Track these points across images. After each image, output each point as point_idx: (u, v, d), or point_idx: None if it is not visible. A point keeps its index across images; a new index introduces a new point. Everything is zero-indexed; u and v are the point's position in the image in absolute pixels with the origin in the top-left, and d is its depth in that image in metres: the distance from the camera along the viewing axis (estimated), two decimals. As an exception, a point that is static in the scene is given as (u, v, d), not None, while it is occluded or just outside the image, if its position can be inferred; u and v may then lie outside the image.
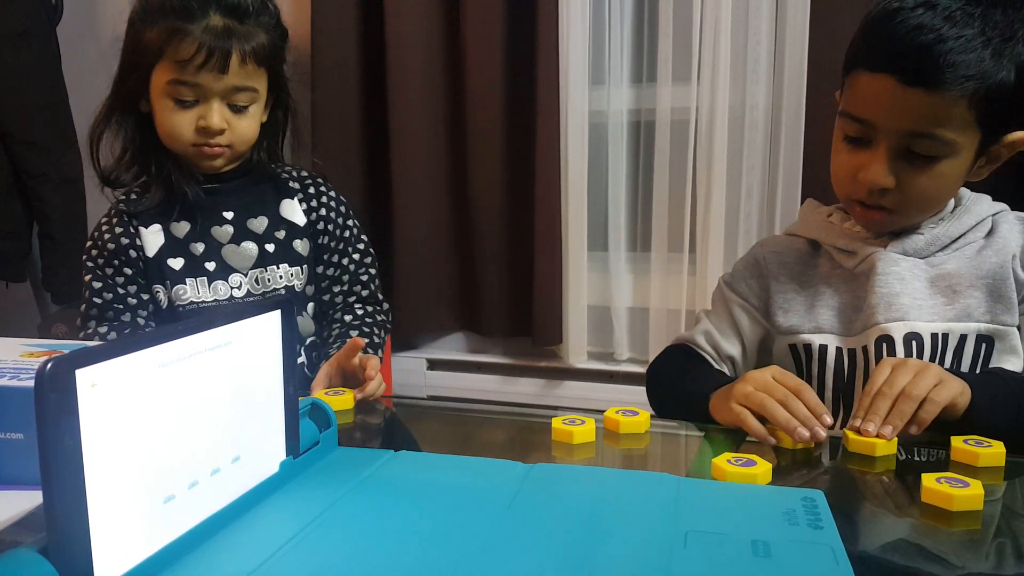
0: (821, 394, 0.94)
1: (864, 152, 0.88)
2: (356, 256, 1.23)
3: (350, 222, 1.23)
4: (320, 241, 1.19)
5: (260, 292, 1.14)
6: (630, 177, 1.87)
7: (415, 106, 1.88)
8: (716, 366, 1.01)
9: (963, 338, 0.90)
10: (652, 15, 1.78)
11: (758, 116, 1.71)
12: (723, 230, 1.75)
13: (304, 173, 1.22)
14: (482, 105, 1.85)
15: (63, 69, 1.98)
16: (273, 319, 0.61)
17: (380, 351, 1.18)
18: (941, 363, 0.90)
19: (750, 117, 1.71)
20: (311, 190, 1.20)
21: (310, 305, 1.20)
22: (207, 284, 1.11)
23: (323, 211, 1.20)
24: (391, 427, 0.93)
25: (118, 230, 1.11)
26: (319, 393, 0.91)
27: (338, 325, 1.19)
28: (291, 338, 0.63)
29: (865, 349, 0.92)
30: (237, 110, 1.08)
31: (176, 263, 1.11)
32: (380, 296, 1.26)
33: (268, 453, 0.62)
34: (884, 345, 0.90)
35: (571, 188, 1.82)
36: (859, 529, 0.59)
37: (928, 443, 0.77)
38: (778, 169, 1.71)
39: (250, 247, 1.14)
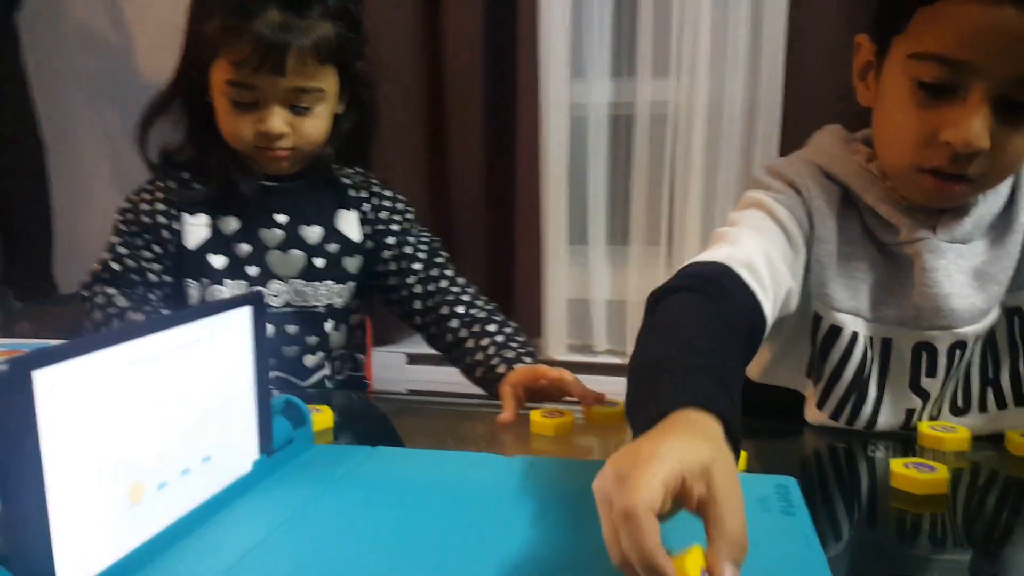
0: (831, 385, 0.82)
1: (949, 107, 0.69)
2: (438, 257, 1.11)
3: (410, 237, 1.11)
4: (379, 250, 1.09)
5: (299, 304, 1.05)
6: (609, 171, 1.87)
7: (393, 99, 1.86)
8: (765, 303, 0.70)
9: (996, 324, 0.81)
10: (632, 9, 1.78)
11: (735, 110, 1.72)
12: (700, 224, 1.77)
13: (372, 180, 1.13)
14: (461, 98, 1.84)
15: (24, 58, 1.93)
16: (243, 315, 0.61)
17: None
18: (976, 359, 0.82)
19: (728, 111, 1.72)
20: (367, 197, 1.11)
21: (353, 317, 1.12)
22: (246, 289, 1.03)
23: (383, 214, 1.10)
24: (370, 423, 0.93)
25: (159, 207, 1.03)
26: (539, 416, 0.80)
27: (487, 342, 1.03)
28: (262, 334, 0.62)
29: (894, 345, 0.81)
30: (300, 111, 0.99)
31: (218, 261, 1.03)
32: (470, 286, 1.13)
33: (240, 452, 0.62)
34: (924, 353, 0.80)
35: (551, 182, 1.82)
36: (830, 515, 0.60)
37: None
38: (753, 163, 1.72)
39: (297, 256, 1.05)
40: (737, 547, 0.40)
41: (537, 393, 0.88)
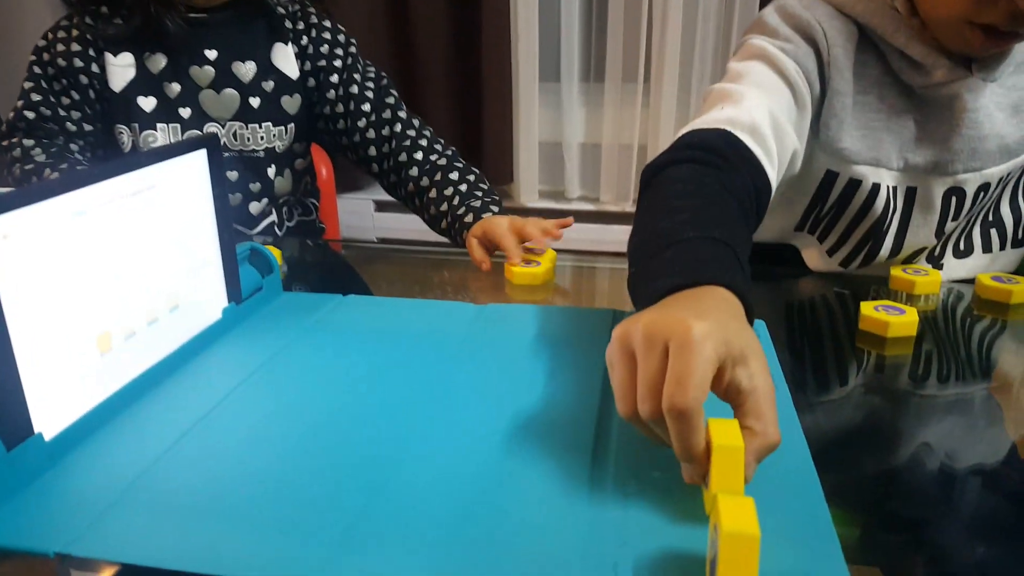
0: (852, 231, 0.81)
1: None
2: (382, 89, 1.05)
3: (356, 75, 1.04)
4: (320, 81, 1.03)
5: (237, 149, 1.00)
6: (583, 1, 1.77)
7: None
8: (770, 170, 0.67)
9: (1015, 172, 0.80)
10: None
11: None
12: (678, 58, 1.70)
13: (310, 10, 1.05)
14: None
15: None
16: (198, 160, 0.57)
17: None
18: (993, 199, 0.80)
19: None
20: (303, 28, 1.03)
21: (297, 161, 1.07)
22: (180, 133, 0.97)
23: (324, 61, 1.03)
24: (339, 271, 0.91)
25: (75, 48, 0.95)
26: (518, 265, 0.78)
27: (451, 191, 0.98)
28: (221, 180, 0.59)
29: (919, 193, 0.79)
30: None
31: (147, 103, 0.96)
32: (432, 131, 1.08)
33: (209, 301, 0.61)
34: (953, 198, 0.78)
35: (521, 13, 1.72)
36: (798, 355, 0.61)
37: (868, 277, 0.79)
38: (736, -9, 1.64)
39: (231, 96, 0.99)
40: (774, 444, 0.39)
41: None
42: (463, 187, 0.98)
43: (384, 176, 1.06)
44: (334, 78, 1.04)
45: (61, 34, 0.96)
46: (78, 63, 0.95)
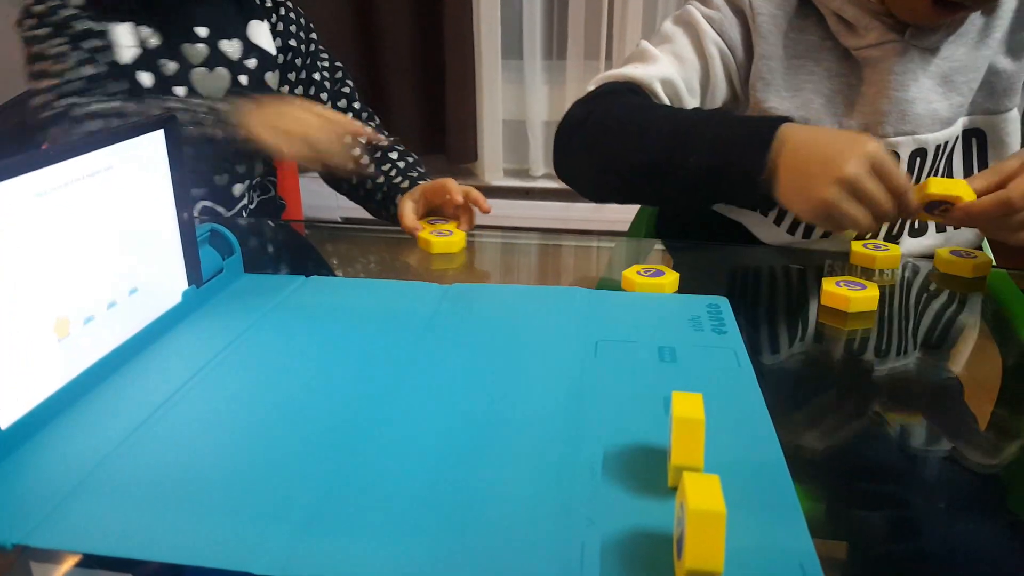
0: None
1: None
2: (326, 68, 1.07)
3: (313, 35, 1.07)
4: (287, 59, 1.05)
5: None
6: (545, -22, 1.76)
7: None
8: None
9: (956, 138, 0.82)
10: None
11: (680, -90, 1.61)
12: (640, 34, 1.70)
13: None
14: None
15: None
16: (156, 140, 0.56)
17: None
18: (933, 172, 0.83)
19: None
20: (276, 14, 1.04)
21: None
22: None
23: (284, 24, 1.04)
24: (302, 252, 0.90)
25: (75, 11, 0.91)
26: (427, 234, 0.81)
27: (388, 166, 1.03)
28: (179, 159, 0.58)
29: None
30: None
31: (147, 78, 0.94)
32: (370, 111, 1.12)
33: (168, 283, 0.59)
34: None
35: (483, -8, 1.71)
36: (761, 332, 0.62)
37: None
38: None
39: (222, 74, 0.99)
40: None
41: (439, 209, 0.89)
42: (401, 164, 1.02)
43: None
44: (298, 61, 1.05)
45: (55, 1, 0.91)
46: (84, 25, 0.91)
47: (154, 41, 0.95)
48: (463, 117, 1.80)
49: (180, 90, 0.96)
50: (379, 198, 1.00)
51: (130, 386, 0.50)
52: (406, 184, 0.97)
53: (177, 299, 0.60)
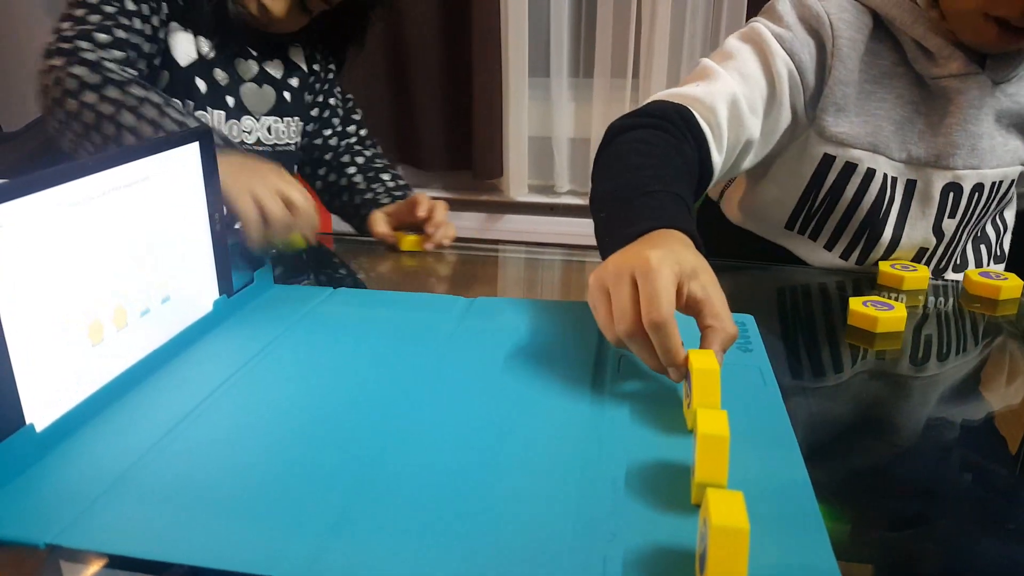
0: (848, 220, 0.82)
1: None
2: (339, 95, 1.11)
3: (330, 64, 1.09)
4: (312, 93, 1.07)
5: (271, 144, 1.00)
6: (573, -3, 1.77)
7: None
8: (716, 153, 0.72)
9: (1012, 180, 0.83)
10: None
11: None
12: (667, 54, 1.70)
13: None
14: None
15: None
16: (191, 152, 0.57)
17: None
18: (986, 209, 0.83)
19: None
20: (301, 34, 1.04)
21: (295, 166, 1.09)
22: (224, 120, 0.96)
23: (316, 66, 1.06)
24: (331, 265, 0.91)
25: (144, 8, 0.86)
26: (394, 232, 0.87)
27: (379, 186, 1.05)
28: (212, 172, 0.59)
29: (918, 186, 0.80)
30: None
31: (202, 85, 0.94)
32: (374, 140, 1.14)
33: (200, 293, 0.60)
34: (951, 194, 0.80)
35: (511, 9, 1.72)
36: (787, 350, 0.62)
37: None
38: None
39: (269, 91, 1.00)
40: (731, 336, 0.48)
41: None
42: (391, 185, 1.06)
43: (322, 177, 1.10)
44: (317, 85, 1.07)
45: None
46: (147, 28, 0.86)
47: (210, 52, 0.95)
48: (489, 133, 1.81)
49: (230, 100, 0.97)
50: (364, 214, 1.02)
51: (160, 393, 0.51)
52: (386, 200, 1.01)
53: (208, 308, 0.61)
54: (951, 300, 0.74)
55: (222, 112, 0.96)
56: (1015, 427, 0.52)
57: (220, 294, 0.62)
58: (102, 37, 0.81)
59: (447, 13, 1.78)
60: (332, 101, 1.09)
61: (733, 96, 0.72)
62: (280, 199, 0.73)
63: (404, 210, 0.93)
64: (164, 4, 0.90)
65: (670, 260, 0.47)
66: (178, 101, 0.88)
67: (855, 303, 0.65)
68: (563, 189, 1.89)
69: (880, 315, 0.63)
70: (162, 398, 0.50)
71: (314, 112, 1.07)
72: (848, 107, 0.77)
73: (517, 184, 1.87)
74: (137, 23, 0.85)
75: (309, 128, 1.08)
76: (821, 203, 0.83)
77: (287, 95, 1.02)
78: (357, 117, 1.12)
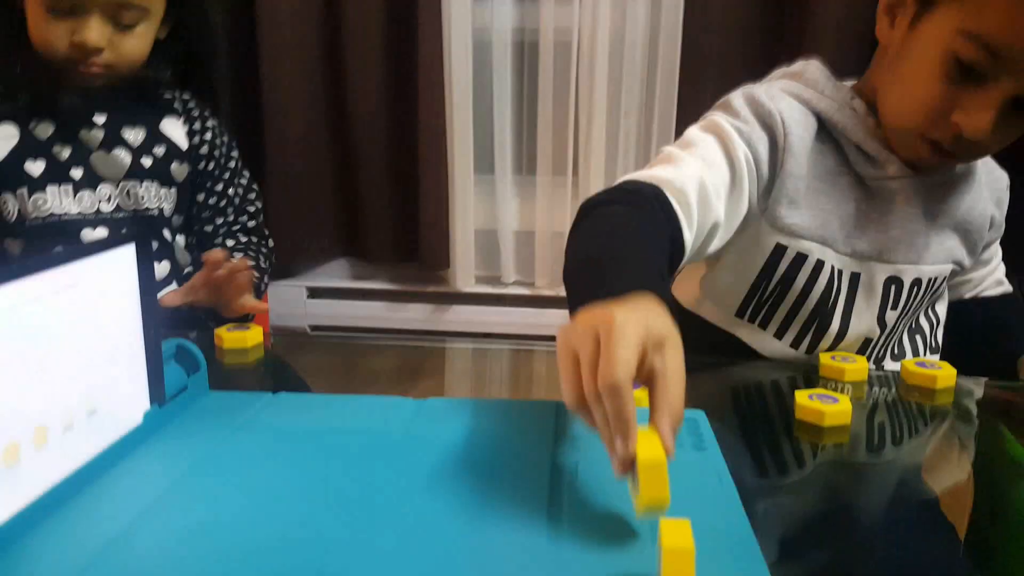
0: (797, 310, 0.85)
1: (972, 91, 0.70)
2: (241, 187, 1.13)
3: (234, 153, 1.13)
4: (201, 167, 1.09)
5: (131, 208, 1.01)
6: (515, 98, 1.84)
7: (287, 22, 1.75)
8: (687, 231, 0.72)
9: (943, 277, 0.88)
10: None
11: (637, 36, 1.71)
12: (604, 152, 1.77)
13: (188, 96, 1.11)
14: (361, 22, 1.75)
15: None
16: (126, 255, 0.55)
17: (266, 278, 1.12)
18: (921, 302, 0.88)
19: (629, 37, 1.71)
20: (195, 113, 1.10)
21: (180, 237, 1.10)
22: (71, 194, 0.96)
23: (208, 135, 1.09)
24: (270, 363, 0.88)
25: None
26: (221, 330, 0.81)
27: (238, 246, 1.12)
28: (148, 274, 0.57)
29: (862, 279, 0.84)
30: (121, 27, 0.94)
31: (35, 167, 0.95)
32: (266, 232, 1.18)
33: (129, 403, 0.57)
34: (893, 287, 0.84)
35: (456, 109, 1.77)
36: (740, 448, 0.61)
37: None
38: (655, 89, 1.74)
39: (122, 155, 1.01)
40: (677, 417, 0.45)
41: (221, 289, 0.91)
42: (251, 252, 1.10)
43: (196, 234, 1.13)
44: (216, 172, 1.10)
45: None
46: None
47: (48, 131, 0.97)
48: (437, 226, 1.83)
49: (76, 172, 0.97)
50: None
51: (84, 517, 0.47)
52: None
53: (138, 420, 0.57)
54: (892, 390, 0.75)
55: (68, 185, 0.96)
56: (959, 516, 0.52)
57: (152, 403, 0.59)
58: None
59: (393, 110, 1.82)
60: (231, 191, 1.12)
61: (701, 179, 0.73)
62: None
63: (203, 277, 0.91)
64: None
65: (638, 322, 0.44)
66: None
67: (801, 396, 0.66)
68: (510, 279, 1.90)
69: (826, 408, 0.64)
70: (86, 523, 0.47)
71: (205, 198, 1.10)
72: (799, 200, 0.81)
73: (464, 275, 1.88)
74: None
75: (214, 202, 1.11)
76: (772, 292, 0.85)
77: (147, 161, 1.02)
78: (253, 209, 1.15)
